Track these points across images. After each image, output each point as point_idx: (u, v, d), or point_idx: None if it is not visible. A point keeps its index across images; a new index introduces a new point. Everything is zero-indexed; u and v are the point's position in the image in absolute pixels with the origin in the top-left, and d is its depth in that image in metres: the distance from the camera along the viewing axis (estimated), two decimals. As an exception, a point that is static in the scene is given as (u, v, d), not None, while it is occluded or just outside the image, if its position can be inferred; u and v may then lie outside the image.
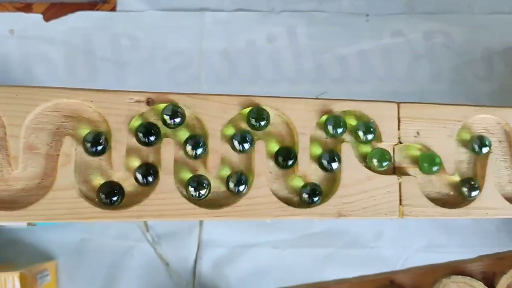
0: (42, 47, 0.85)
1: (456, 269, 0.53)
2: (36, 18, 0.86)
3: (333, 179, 0.42)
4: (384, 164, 0.41)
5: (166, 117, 0.37)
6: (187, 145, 0.38)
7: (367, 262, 0.79)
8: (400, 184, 0.42)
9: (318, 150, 0.41)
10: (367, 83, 0.83)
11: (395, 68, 0.84)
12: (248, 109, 0.40)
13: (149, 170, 0.37)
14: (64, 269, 0.79)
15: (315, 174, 0.41)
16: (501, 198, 0.44)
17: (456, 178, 0.44)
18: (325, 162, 0.40)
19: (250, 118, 0.40)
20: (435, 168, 0.42)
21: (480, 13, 0.85)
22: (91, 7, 0.87)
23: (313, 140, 0.41)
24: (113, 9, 0.87)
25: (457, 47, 0.85)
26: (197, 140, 0.38)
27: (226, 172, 0.40)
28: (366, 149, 0.42)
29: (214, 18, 0.85)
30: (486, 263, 0.53)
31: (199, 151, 0.38)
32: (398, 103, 0.43)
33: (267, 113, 0.40)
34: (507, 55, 0.84)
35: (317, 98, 0.42)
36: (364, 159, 0.42)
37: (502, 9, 0.85)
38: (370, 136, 0.41)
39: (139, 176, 0.37)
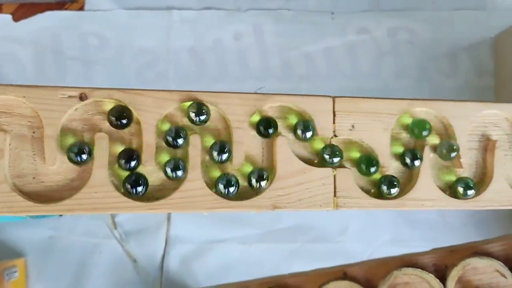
0: (11, 47, 0.85)
1: (408, 261, 0.54)
2: (5, 18, 0.87)
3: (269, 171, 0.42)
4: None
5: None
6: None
7: (333, 256, 0.80)
8: (335, 176, 0.43)
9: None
10: (332, 80, 0.84)
11: (360, 65, 0.85)
12: (188, 104, 0.41)
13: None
14: (33, 266, 0.80)
15: (250, 168, 0.42)
16: (437, 189, 0.45)
17: (390, 172, 0.45)
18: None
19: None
20: (425, 133, 0.44)
21: (444, 9, 0.86)
22: (60, 6, 0.88)
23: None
24: (81, 8, 0.87)
25: (421, 43, 0.86)
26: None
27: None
28: (319, 145, 0.43)
29: (181, 17, 0.86)
30: (438, 255, 0.54)
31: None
32: (334, 97, 0.44)
33: (207, 107, 0.41)
34: (471, 51, 0.85)
35: (255, 93, 0.43)
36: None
37: (467, 5, 0.87)
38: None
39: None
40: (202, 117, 0.40)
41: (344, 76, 0.85)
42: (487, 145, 0.46)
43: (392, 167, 0.45)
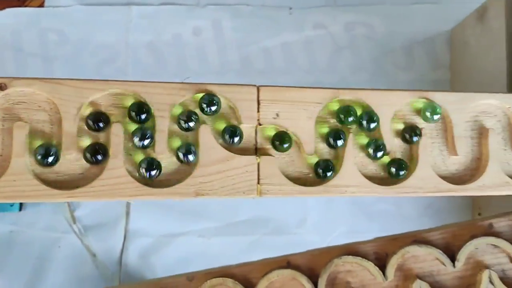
0: (-28, 43, 0.85)
1: (350, 250, 0.55)
2: (-35, 15, 0.87)
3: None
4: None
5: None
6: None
7: (291, 248, 0.80)
8: (258, 164, 0.44)
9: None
10: (291, 75, 0.85)
11: (318, 60, 0.86)
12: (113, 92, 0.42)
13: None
14: (-7, 262, 0.80)
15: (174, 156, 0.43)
16: (361, 176, 0.46)
17: (315, 159, 0.45)
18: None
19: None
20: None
21: (400, 3, 0.87)
22: (20, 3, 0.88)
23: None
24: (41, 5, 0.88)
25: (378, 38, 0.87)
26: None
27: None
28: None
29: (140, 12, 0.86)
30: (379, 244, 0.55)
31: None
32: (258, 87, 0.45)
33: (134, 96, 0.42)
34: (427, 45, 0.86)
35: (181, 83, 0.44)
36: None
37: None
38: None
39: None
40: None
41: (301, 70, 0.85)
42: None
43: (319, 152, 0.46)
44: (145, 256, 0.82)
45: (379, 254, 0.55)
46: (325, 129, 0.46)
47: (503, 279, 0.53)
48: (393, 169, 0.47)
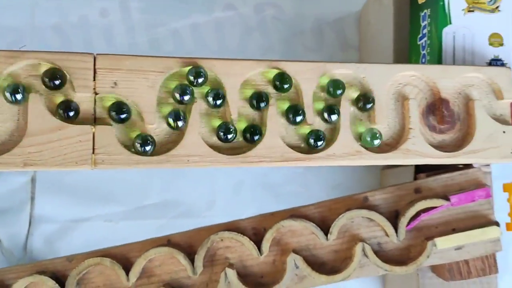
0: None
1: (229, 226, 0.55)
2: None
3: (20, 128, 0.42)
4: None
5: None
6: None
7: (199, 231, 0.80)
8: (94, 133, 0.43)
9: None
10: (200, 56, 0.84)
11: (228, 42, 0.86)
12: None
13: None
14: None
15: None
16: (205, 145, 0.45)
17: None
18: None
19: None
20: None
21: (310, -15, 0.87)
22: None
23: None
24: None
25: (287, 19, 0.86)
26: None
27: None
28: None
29: (45, -6, 0.85)
30: (258, 219, 0.55)
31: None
32: (95, 55, 0.44)
33: None
34: (336, 25, 0.86)
35: (18, 50, 0.43)
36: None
37: (333, -20, 0.87)
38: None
39: None
40: None
41: (211, 52, 0.84)
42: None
43: (160, 128, 0.45)
44: (51, 242, 0.81)
45: (257, 229, 0.55)
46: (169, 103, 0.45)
47: (379, 252, 0.53)
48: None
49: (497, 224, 0.51)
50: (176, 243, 0.56)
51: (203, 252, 0.52)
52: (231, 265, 0.53)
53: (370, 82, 0.48)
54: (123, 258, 0.56)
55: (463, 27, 0.53)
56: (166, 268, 0.54)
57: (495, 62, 0.52)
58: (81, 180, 0.81)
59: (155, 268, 0.53)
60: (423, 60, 0.55)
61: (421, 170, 0.57)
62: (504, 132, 0.48)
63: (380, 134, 0.46)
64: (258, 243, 0.53)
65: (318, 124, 0.48)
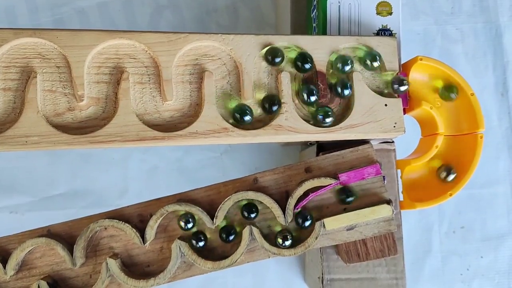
0: None
1: (113, 214, 0.52)
2: None
3: None
4: None
5: None
6: None
7: (111, 220, 0.77)
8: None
9: None
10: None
11: (138, 20, 0.81)
12: None
13: None
14: None
15: None
16: (47, 125, 0.40)
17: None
18: None
19: None
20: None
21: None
22: None
23: None
24: None
25: (200, -3, 0.83)
26: None
27: None
28: None
29: None
30: (144, 206, 0.53)
31: None
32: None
33: None
34: (252, 2, 0.83)
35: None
36: None
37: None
38: None
39: None
40: None
41: (120, 31, 0.80)
42: (118, 78, 0.43)
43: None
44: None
45: (143, 216, 0.52)
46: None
47: (268, 236, 0.51)
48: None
49: (388, 202, 0.50)
50: (56, 234, 0.53)
51: (81, 242, 0.49)
52: (115, 255, 0.50)
53: (238, 55, 0.44)
54: (2, 250, 0.53)
55: (349, -4, 0.50)
56: (47, 259, 0.51)
57: (383, 32, 0.50)
58: (-18, 171, 0.76)
59: (36, 260, 0.50)
60: (314, 34, 0.52)
61: (325, 149, 0.55)
62: (386, 105, 0.46)
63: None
64: (144, 231, 0.50)
65: (182, 101, 0.44)
